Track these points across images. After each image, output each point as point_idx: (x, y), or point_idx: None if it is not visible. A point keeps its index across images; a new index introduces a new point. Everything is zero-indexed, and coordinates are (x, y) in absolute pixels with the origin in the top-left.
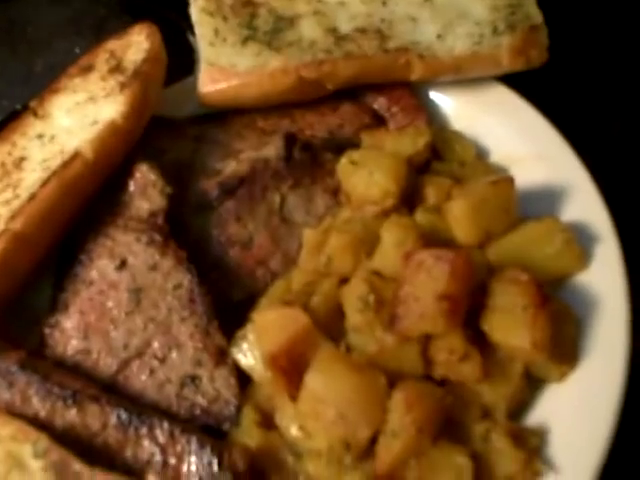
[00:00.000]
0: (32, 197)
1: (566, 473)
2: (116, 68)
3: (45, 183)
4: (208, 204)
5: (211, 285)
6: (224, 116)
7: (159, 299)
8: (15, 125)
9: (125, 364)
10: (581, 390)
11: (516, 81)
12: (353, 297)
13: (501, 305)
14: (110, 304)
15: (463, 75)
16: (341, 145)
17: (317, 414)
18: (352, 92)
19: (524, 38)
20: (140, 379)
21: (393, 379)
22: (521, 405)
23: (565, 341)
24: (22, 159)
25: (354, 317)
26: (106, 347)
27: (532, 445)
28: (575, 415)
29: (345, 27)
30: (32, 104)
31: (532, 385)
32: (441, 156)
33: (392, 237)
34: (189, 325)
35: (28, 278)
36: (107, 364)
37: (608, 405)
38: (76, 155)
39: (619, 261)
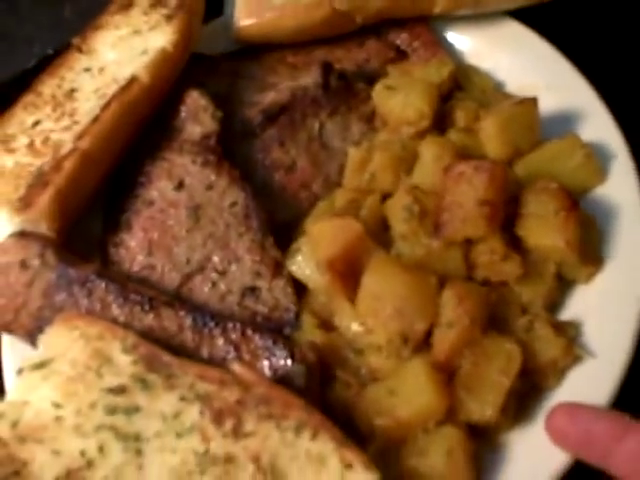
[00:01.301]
0: (96, 119)
1: (602, 358)
2: (158, 2)
3: (106, 106)
4: (252, 131)
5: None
6: (256, 52)
7: (216, 216)
8: (60, 61)
9: (188, 278)
10: (607, 288)
11: (528, 17)
12: (398, 208)
13: (534, 212)
14: (171, 222)
15: (482, 8)
16: (370, 76)
17: (375, 311)
18: (376, 30)
19: None
20: (203, 291)
21: (441, 280)
22: (555, 303)
23: (590, 246)
24: (73, 90)
25: (400, 226)
26: (169, 262)
27: (570, 334)
28: (604, 310)
29: None
30: (75, 41)
31: (564, 286)
32: (462, 87)
33: (430, 153)
34: (246, 240)
35: (92, 198)
36: (171, 278)
37: (633, 300)
38: (133, 80)
39: (634, 175)
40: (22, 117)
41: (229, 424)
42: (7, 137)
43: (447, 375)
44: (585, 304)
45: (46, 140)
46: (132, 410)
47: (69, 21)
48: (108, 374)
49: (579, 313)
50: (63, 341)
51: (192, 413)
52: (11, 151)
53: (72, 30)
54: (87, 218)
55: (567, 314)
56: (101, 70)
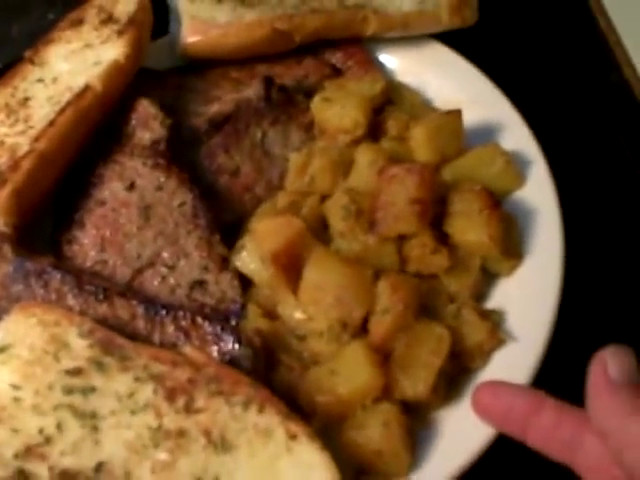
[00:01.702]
0: (52, 123)
1: (523, 341)
2: (108, 19)
3: (62, 111)
4: (198, 139)
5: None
6: (201, 68)
7: (166, 215)
8: (12, 72)
9: (139, 272)
10: (527, 280)
11: (452, 39)
12: (336, 208)
13: (460, 210)
14: (122, 220)
15: (409, 31)
16: (308, 90)
17: (316, 300)
18: (313, 49)
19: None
20: (153, 285)
21: (376, 273)
22: (480, 293)
23: (511, 241)
24: (26, 99)
25: (338, 224)
26: (121, 258)
27: (494, 320)
28: (524, 299)
29: None
30: (27, 54)
31: (488, 278)
32: (393, 102)
33: (366, 158)
34: (194, 237)
35: (46, 197)
36: (123, 272)
37: (550, 289)
38: (87, 88)
39: (550, 181)
40: None
41: (181, 401)
42: None
43: (383, 356)
44: (508, 294)
45: (1, 144)
46: (88, 390)
47: (16, 40)
48: (65, 357)
49: (502, 302)
50: (21, 328)
51: (146, 392)
52: None
53: (20, 48)
54: (39, 217)
55: (492, 303)
56: (54, 80)
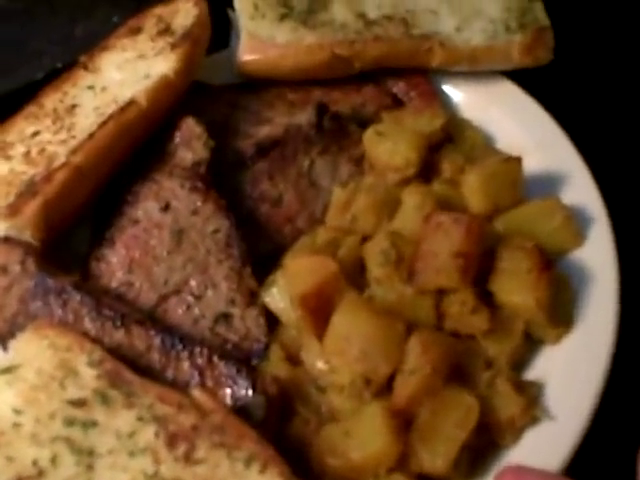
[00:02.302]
0: (91, 136)
1: (560, 421)
2: (165, 31)
3: (103, 125)
4: (243, 162)
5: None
6: (256, 86)
7: (198, 241)
8: (65, 77)
9: (164, 298)
10: (574, 351)
11: (523, 78)
12: (376, 252)
13: (508, 268)
14: (153, 242)
15: (477, 66)
16: (364, 120)
17: (341, 351)
18: (374, 76)
19: (533, 37)
20: (177, 313)
21: (409, 327)
22: (521, 361)
23: (562, 307)
24: (74, 106)
25: (376, 270)
26: (148, 281)
27: (531, 394)
28: (569, 373)
29: (373, 13)
30: (82, 59)
31: (531, 345)
32: (453, 140)
33: (413, 201)
34: (224, 267)
35: (80, 211)
36: (148, 297)
37: (598, 366)
38: (132, 102)
39: (611, 241)
40: (22, 126)
41: (182, 448)
42: (5, 144)
43: (404, 422)
44: (550, 365)
45: (42, 151)
46: (89, 424)
47: (79, 39)
48: (71, 386)
49: (544, 373)
50: (32, 349)
51: (147, 434)
52: (8, 158)
53: (81, 48)
54: (75, 230)
55: (532, 373)
56: (103, 89)
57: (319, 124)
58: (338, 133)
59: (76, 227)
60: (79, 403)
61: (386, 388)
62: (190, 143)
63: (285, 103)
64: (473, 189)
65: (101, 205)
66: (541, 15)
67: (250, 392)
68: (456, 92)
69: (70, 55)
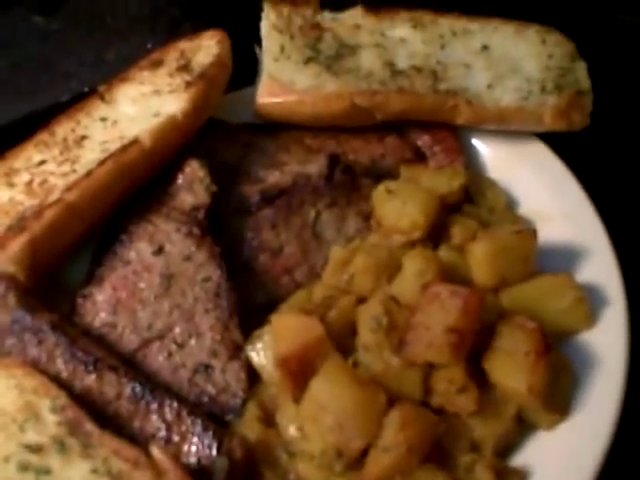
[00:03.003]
0: (89, 173)
1: None
2: (184, 67)
3: (102, 162)
4: (247, 209)
5: (237, 284)
6: (275, 128)
7: (188, 288)
8: (81, 105)
9: (146, 343)
10: (567, 442)
11: (555, 140)
12: (368, 316)
13: (505, 347)
14: (142, 285)
15: (506, 126)
16: (380, 174)
17: (316, 419)
18: (399, 126)
19: (569, 101)
20: (157, 360)
21: (393, 399)
22: (508, 445)
23: (560, 392)
24: (83, 137)
25: (365, 335)
26: (131, 324)
27: None
28: (558, 465)
29: (402, 63)
30: (100, 88)
31: (522, 428)
32: (473, 200)
33: (414, 267)
34: (211, 317)
35: (71, 251)
36: (129, 340)
37: (591, 461)
38: (135, 142)
39: (624, 327)
40: (31, 154)
41: None
42: (12, 171)
43: None
44: (541, 452)
45: (44, 182)
46: (43, 471)
47: (110, 63)
48: (31, 430)
49: (532, 460)
50: None
51: None
52: (11, 186)
53: (111, 73)
54: (72, 263)
55: (520, 458)
56: (114, 123)
57: (330, 175)
58: (349, 186)
59: (79, 256)
60: (36, 448)
61: (359, 461)
62: (192, 186)
63: (302, 148)
64: (480, 260)
65: (104, 237)
66: (583, 77)
67: (214, 452)
68: (484, 149)
69: (98, 79)
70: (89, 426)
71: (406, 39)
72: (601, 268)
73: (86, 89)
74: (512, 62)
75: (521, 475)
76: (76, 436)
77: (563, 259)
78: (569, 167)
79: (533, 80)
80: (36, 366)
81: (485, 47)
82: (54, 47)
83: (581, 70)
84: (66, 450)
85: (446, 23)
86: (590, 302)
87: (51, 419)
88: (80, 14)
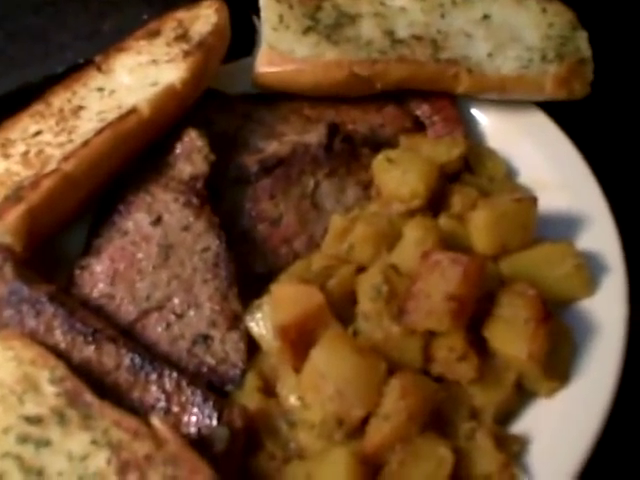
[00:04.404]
0: (86, 143)
1: None
2: (182, 37)
3: (100, 132)
4: (245, 178)
5: (236, 255)
6: (273, 99)
7: (186, 258)
8: (78, 76)
9: (144, 314)
10: (566, 408)
11: (555, 109)
12: (367, 285)
13: (505, 315)
14: (140, 255)
15: (506, 95)
16: (379, 143)
17: (316, 388)
18: (398, 95)
19: (570, 69)
20: (156, 330)
21: (393, 368)
22: (508, 412)
23: (559, 360)
24: (80, 107)
25: (365, 304)
26: (129, 295)
27: (512, 450)
28: (557, 430)
29: (402, 32)
30: (97, 59)
31: (521, 395)
32: (472, 169)
33: (414, 235)
34: (210, 287)
35: (69, 220)
36: (128, 311)
37: (590, 428)
38: (133, 111)
39: (623, 294)
40: (27, 124)
41: (132, 478)
42: (7, 142)
43: (372, 468)
44: (540, 419)
45: (40, 152)
46: (42, 443)
47: (106, 35)
48: (30, 401)
49: (532, 427)
50: None
51: (99, 459)
52: (6, 157)
53: (106, 44)
54: (69, 234)
55: (520, 425)
56: (111, 93)
57: (329, 145)
58: (348, 156)
59: (77, 227)
60: (35, 420)
61: (359, 430)
62: (190, 156)
63: (301, 118)
64: (480, 228)
65: (102, 208)
66: (584, 46)
67: (215, 422)
68: (484, 119)
69: (94, 51)
70: (88, 397)
71: (406, 8)
72: (601, 236)
73: (81, 60)
74: (513, 31)
75: (521, 442)
76: (75, 407)
77: (563, 227)
78: (569, 136)
79: (534, 49)
80: (34, 337)
81: (486, 16)
82: (49, 18)
83: (582, 39)
84: (66, 421)
85: None
86: (590, 270)
87: (50, 390)
88: None
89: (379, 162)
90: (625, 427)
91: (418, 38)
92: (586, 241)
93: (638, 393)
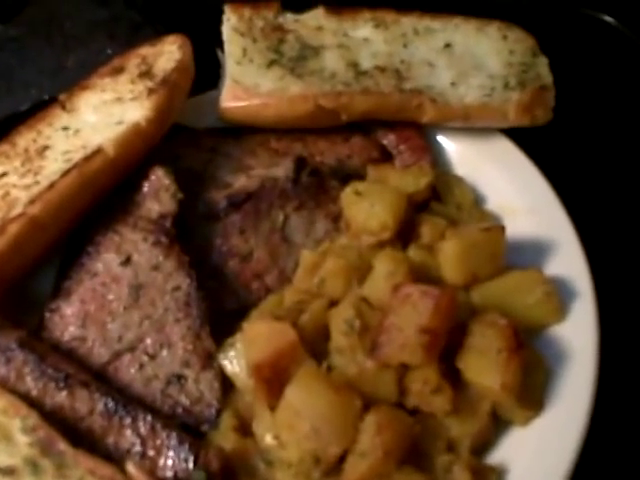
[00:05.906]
0: (52, 185)
1: None
2: (146, 73)
3: (66, 173)
4: (214, 214)
5: (207, 291)
6: (240, 132)
7: (157, 298)
8: (42, 115)
9: (117, 356)
10: (542, 437)
11: (519, 135)
12: (340, 320)
13: (477, 346)
14: (110, 297)
15: (471, 124)
16: (347, 175)
17: (292, 426)
18: (364, 126)
19: (532, 96)
20: (129, 372)
21: (368, 403)
22: (485, 443)
23: (533, 388)
24: (45, 148)
25: (338, 339)
26: (101, 337)
27: None
28: (534, 460)
29: (366, 63)
30: (61, 97)
31: (497, 425)
32: (441, 198)
33: (384, 268)
34: (182, 327)
35: (37, 263)
36: (100, 354)
37: (565, 455)
38: (98, 151)
39: (594, 319)
40: None
41: None
42: None
43: None
44: (517, 448)
45: (6, 195)
46: None
47: (70, 70)
48: (2, 452)
49: (509, 457)
50: None
51: None
52: None
53: (71, 80)
54: (38, 275)
55: (497, 455)
56: (76, 132)
57: (297, 179)
58: (316, 188)
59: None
60: (8, 471)
61: (336, 468)
62: (158, 194)
63: (268, 151)
64: (450, 259)
65: (70, 249)
66: (544, 72)
67: (191, 465)
68: (450, 146)
69: (58, 87)
70: (62, 445)
71: (369, 39)
72: (569, 261)
73: (46, 97)
74: (475, 59)
75: (498, 472)
76: (49, 456)
77: (531, 253)
78: (534, 162)
79: (496, 77)
80: (5, 385)
81: (447, 45)
82: (12, 55)
83: (543, 65)
84: (40, 471)
85: (408, 22)
86: (559, 296)
87: (23, 440)
88: (37, 20)
89: (347, 195)
90: (601, 451)
91: (382, 69)
92: (555, 266)
93: (613, 417)
